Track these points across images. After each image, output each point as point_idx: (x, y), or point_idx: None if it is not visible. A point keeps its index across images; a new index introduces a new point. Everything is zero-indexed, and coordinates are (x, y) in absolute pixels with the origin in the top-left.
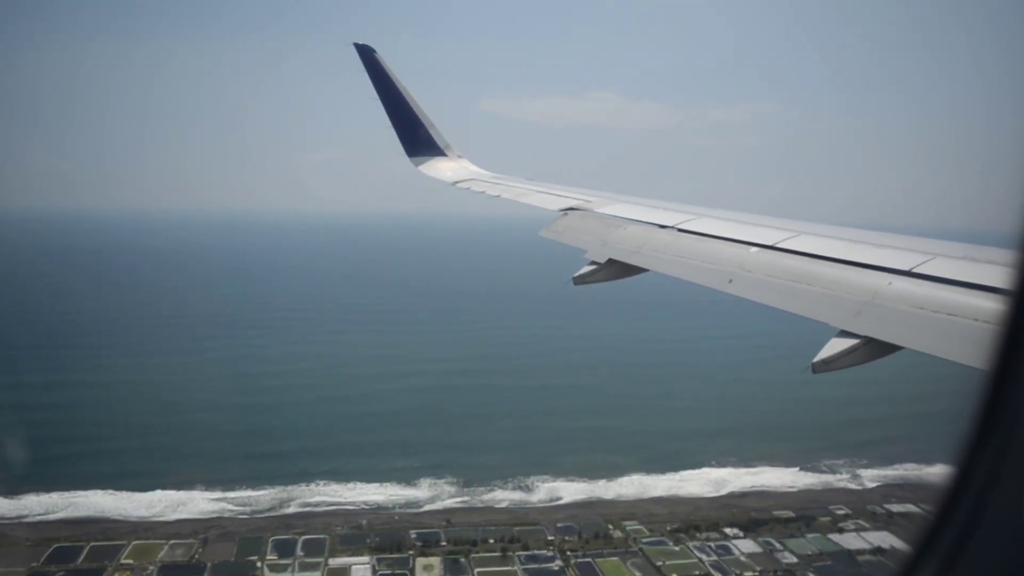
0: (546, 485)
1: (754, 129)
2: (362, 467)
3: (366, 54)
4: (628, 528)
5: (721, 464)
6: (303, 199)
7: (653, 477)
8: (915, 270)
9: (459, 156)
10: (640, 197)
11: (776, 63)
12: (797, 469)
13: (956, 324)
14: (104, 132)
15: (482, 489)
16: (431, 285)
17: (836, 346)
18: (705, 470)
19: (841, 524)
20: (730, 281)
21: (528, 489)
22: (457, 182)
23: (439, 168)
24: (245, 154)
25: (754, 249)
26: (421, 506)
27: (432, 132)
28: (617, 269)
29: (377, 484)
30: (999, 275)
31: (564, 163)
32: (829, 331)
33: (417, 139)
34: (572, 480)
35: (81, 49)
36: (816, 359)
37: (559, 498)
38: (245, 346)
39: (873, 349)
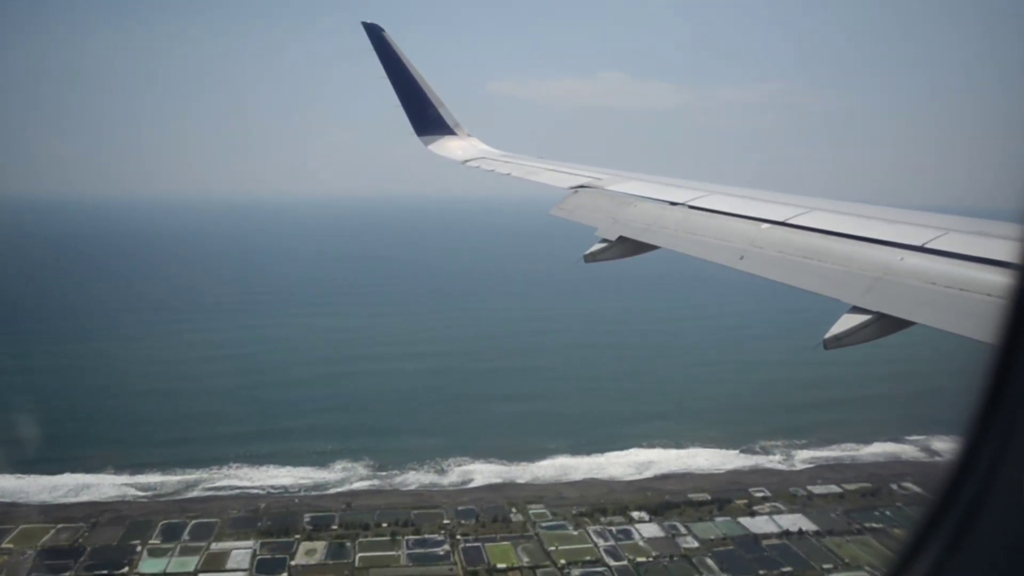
0: (462, 468)
1: (764, 108)
2: (281, 451)
3: (374, 33)
4: (531, 512)
5: (651, 445)
6: (310, 183)
7: (577, 459)
8: (927, 245)
9: (468, 135)
10: (650, 175)
11: (786, 42)
12: (731, 450)
13: (968, 299)
14: (108, 118)
15: (395, 472)
16: (430, 266)
17: (848, 322)
18: (633, 451)
19: (756, 507)
20: (741, 258)
21: (442, 472)
22: (467, 160)
23: (449, 147)
24: (251, 138)
25: (765, 226)
26: (327, 489)
27: (441, 111)
28: (628, 247)
29: (290, 467)
30: (1011, 250)
31: (573, 144)
32: (841, 307)
33: (426, 118)
34: (491, 463)
35: (84, 34)
36: (828, 335)
37: (470, 481)
38: (205, 329)
39: (885, 325)
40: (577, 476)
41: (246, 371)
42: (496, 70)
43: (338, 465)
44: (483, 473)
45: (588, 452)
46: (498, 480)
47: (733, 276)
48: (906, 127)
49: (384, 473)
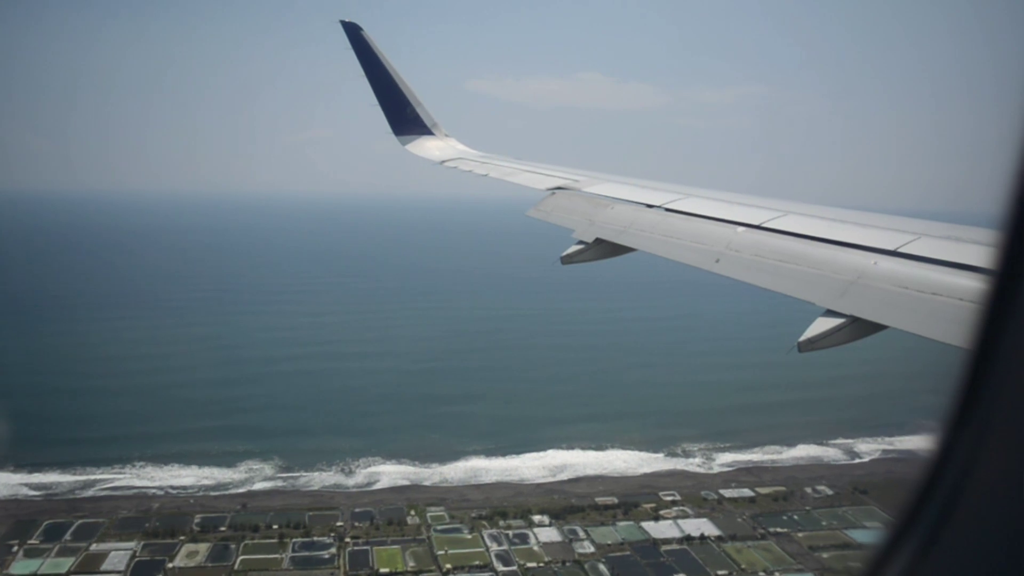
0: (371, 469)
1: (741, 111)
2: (192, 451)
3: (353, 32)
4: (429, 515)
5: (571, 447)
6: (290, 179)
7: (491, 461)
8: (900, 250)
9: (446, 135)
10: (627, 176)
11: (764, 46)
12: (651, 453)
13: (941, 304)
14: (98, 116)
15: (302, 473)
16: (397, 264)
17: (822, 325)
18: (551, 453)
19: (663, 512)
20: (717, 261)
21: (349, 473)
22: (444, 161)
23: (426, 147)
24: (232, 135)
25: (741, 229)
26: (227, 489)
27: (419, 111)
28: (605, 249)
29: (196, 467)
30: (983, 255)
31: (550, 144)
32: (815, 310)
33: (404, 118)
34: (403, 464)
35: (80, 32)
36: (802, 338)
37: (376, 482)
38: (145, 327)
39: (858, 328)
40: (488, 478)
41: (177, 369)
42: (474, 69)
43: (245, 465)
44: (391, 475)
45: (505, 454)
46: (404, 482)
47: (709, 279)
48: (882, 131)
49: (290, 474)
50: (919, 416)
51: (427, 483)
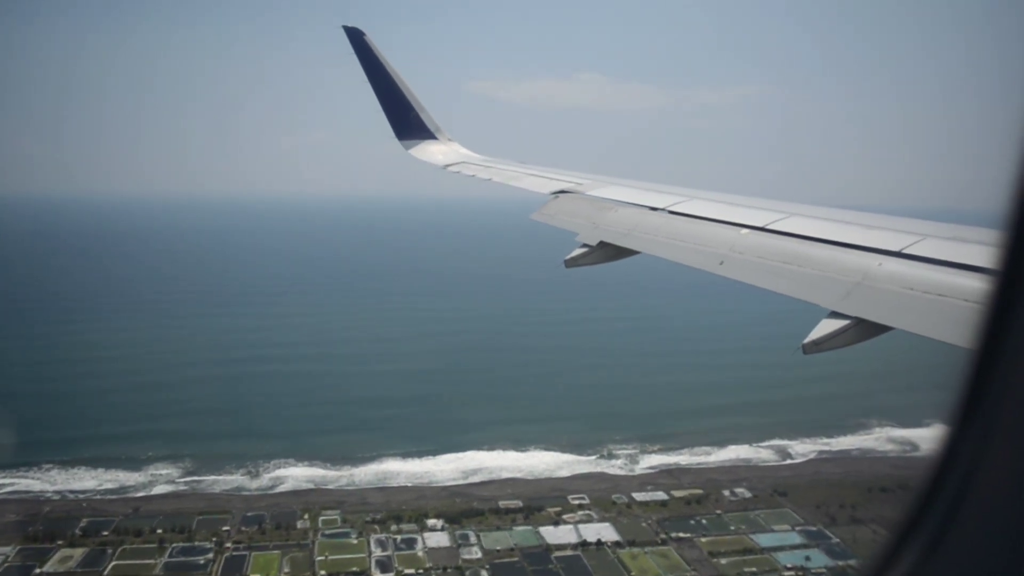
0: (278, 472)
1: (743, 111)
2: (102, 455)
3: (355, 37)
4: (323, 519)
5: (493, 448)
6: (291, 182)
7: (406, 463)
8: (905, 251)
9: (449, 139)
10: (631, 179)
11: (764, 45)
12: (576, 455)
13: (946, 305)
14: (94, 119)
15: (208, 476)
16: (385, 265)
17: (827, 327)
18: (471, 454)
19: (566, 516)
20: (721, 263)
21: (255, 475)
22: (448, 165)
23: (430, 151)
24: (231, 138)
25: (745, 231)
26: (125, 493)
27: (422, 115)
28: (608, 252)
29: (102, 470)
30: (988, 256)
31: (551, 145)
32: (820, 312)
33: (407, 122)
34: (314, 466)
35: (75, 35)
36: (806, 340)
37: (279, 485)
38: (93, 331)
39: (863, 330)
40: (397, 481)
41: (117, 373)
42: (474, 70)
43: (151, 469)
44: (297, 478)
45: (422, 456)
46: (309, 485)
47: (713, 281)
48: (885, 131)
49: (194, 477)
50: (877, 417)
51: (331, 486)
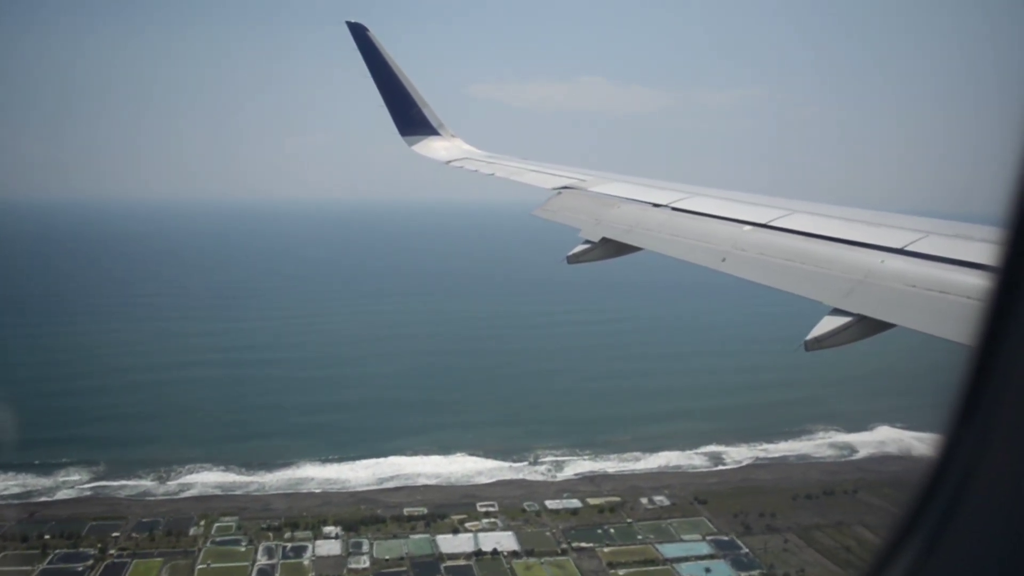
0: (188, 478)
1: (744, 113)
2: (15, 460)
3: (358, 32)
4: (218, 525)
5: (415, 453)
6: (293, 186)
7: (323, 468)
8: (908, 248)
9: (452, 135)
10: (634, 176)
11: (765, 47)
12: (500, 461)
13: (949, 302)
14: (98, 122)
15: (117, 481)
16: (379, 266)
17: (829, 324)
18: (391, 459)
19: (470, 523)
20: (724, 260)
21: (165, 480)
22: (451, 161)
23: (433, 147)
24: (233, 141)
25: (747, 228)
26: (28, 498)
27: (425, 111)
28: (611, 248)
29: (12, 474)
30: (991, 253)
31: (553, 148)
32: (822, 309)
33: (410, 118)
34: (228, 472)
35: (75, 38)
36: (809, 337)
37: (186, 490)
38: (50, 335)
39: (866, 327)
40: (308, 487)
41: (59, 378)
42: (476, 73)
43: (61, 474)
44: (206, 483)
45: (343, 461)
46: (216, 491)
47: (715, 278)
48: (887, 131)
49: (103, 483)
50: (825, 422)
51: (239, 492)
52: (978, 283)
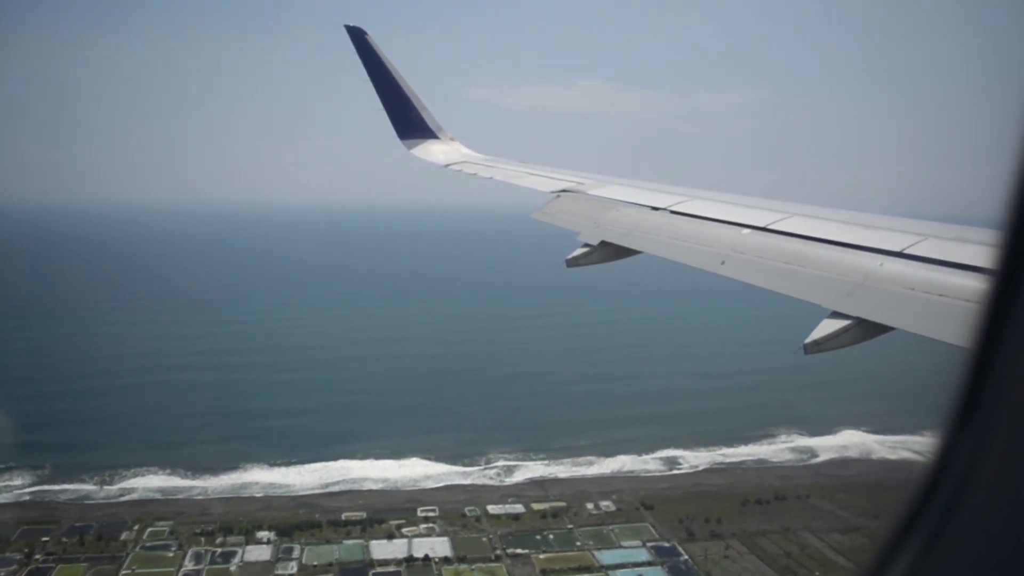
0: (132, 481)
1: (743, 116)
2: None
3: (357, 36)
4: (152, 530)
5: (366, 457)
6: (292, 189)
7: (271, 471)
8: (906, 251)
9: (451, 139)
10: (633, 180)
11: (763, 50)
12: (450, 465)
13: (947, 305)
14: (97, 125)
15: (58, 485)
16: (350, 270)
17: (828, 327)
18: (340, 463)
19: (407, 528)
20: (723, 263)
21: (107, 484)
22: (449, 164)
23: (431, 150)
24: (233, 144)
25: (746, 231)
26: None
27: (424, 115)
28: (610, 251)
29: None
30: (990, 256)
31: (553, 151)
32: (821, 312)
33: (409, 121)
34: (173, 475)
35: (73, 41)
36: (808, 340)
37: (127, 494)
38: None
39: (864, 330)
40: (251, 491)
41: (21, 383)
42: (474, 76)
43: (4, 478)
44: (149, 487)
45: (290, 465)
46: (156, 495)
47: (715, 281)
48: (886, 135)
49: (44, 487)
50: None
51: (180, 496)
52: (977, 286)
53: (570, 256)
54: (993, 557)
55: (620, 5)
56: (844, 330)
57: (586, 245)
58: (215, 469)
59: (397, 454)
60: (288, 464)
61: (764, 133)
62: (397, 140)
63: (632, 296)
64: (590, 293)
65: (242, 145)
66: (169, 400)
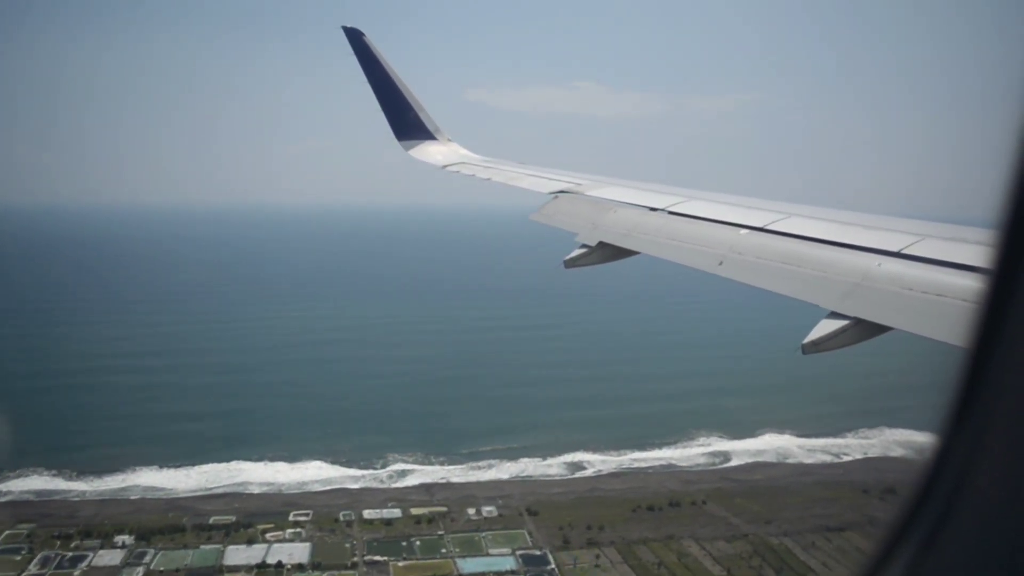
0: (12, 483)
1: (741, 118)
2: None
3: (355, 37)
4: (10, 532)
5: (262, 459)
6: (287, 191)
7: (161, 473)
8: (904, 251)
9: (449, 140)
10: (631, 181)
11: (762, 52)
12: (344, 467)
13: (945, 305)
14: (85, 126)
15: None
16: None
17: (826, 327)
18: (234, 464)
19: (273, 533)
20: (720, 263)
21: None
22: (447, 165)
23: (429, 152)
24: (226, 145)
25: (744, 231)
26: None
27: (422, 116)
28: (608, 252)
29: None
30: (987, 256)
31: (551, 152)
32: (819, 312)
33: (407, 123)
34: (58, 476)
35: (63, 42)
36: (806, 340)
37: (1, 496)
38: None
39: (862, 330)
40: (131, 494)
41: None
42: (472, 78)
43: None
44: (27, 488)
45: (179, 467)
46: (30, 497)
47: (713, 282)
48: (884, 136)
49: None
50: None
51: (55, 498)
52: (975, 286)
53: (568, 257)
54: (990, 556)
55: (618, 7)
56: (842, 330)
57: (584, 246)
58: (102, 471)
59: (295, 457)
60: (178, 467)
61: (761, 134)
62: (395, 141)
63: (632, 297)
64: (590, 294)
65: (239, 147)
66: (83, 401)
